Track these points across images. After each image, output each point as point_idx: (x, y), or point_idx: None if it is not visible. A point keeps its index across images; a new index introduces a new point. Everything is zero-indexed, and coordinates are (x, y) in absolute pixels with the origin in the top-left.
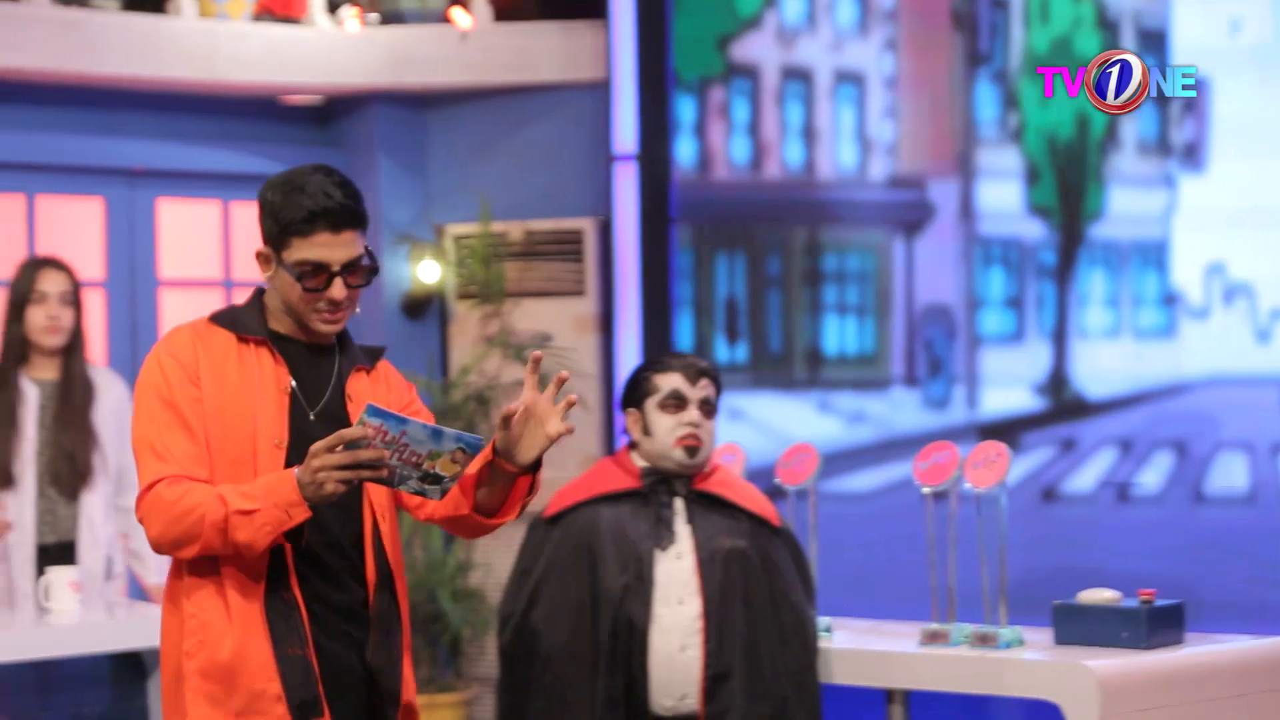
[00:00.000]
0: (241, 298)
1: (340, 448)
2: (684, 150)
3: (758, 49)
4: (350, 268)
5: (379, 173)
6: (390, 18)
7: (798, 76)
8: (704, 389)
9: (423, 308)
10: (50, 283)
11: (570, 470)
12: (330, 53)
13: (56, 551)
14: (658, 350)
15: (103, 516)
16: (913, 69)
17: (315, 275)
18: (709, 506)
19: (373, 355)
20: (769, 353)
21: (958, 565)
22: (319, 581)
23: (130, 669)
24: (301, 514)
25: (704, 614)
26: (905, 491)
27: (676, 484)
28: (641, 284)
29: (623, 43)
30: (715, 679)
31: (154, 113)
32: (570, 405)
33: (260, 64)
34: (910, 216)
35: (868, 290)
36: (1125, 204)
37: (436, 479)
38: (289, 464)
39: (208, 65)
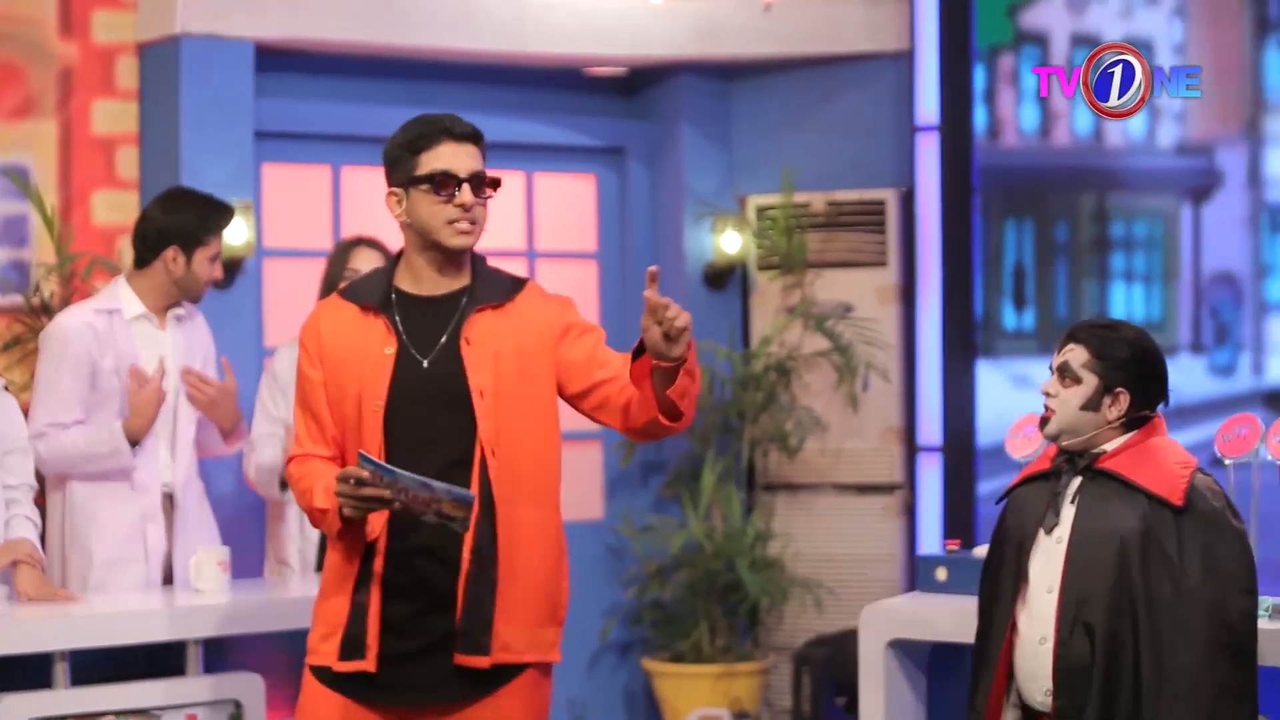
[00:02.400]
0: (546, 269)
1: (353, 481)
2: (975, 118)
3: (1048, 16)
4: (476, 180)
5: (683, 143)
6: None
7: (1087, 43)
8: (1064, 354)
9: (724, 278)
10: (365, 261)
11: (870, 440)
12: (636, 24)
13: None
14: (958, 321)
15: None
16: (1201, 35)
17: (445, 183)
18: (1105, 486)
19: (511, 289)
20: (1056, 320)
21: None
22: (410, 529)
23: None
24: (334, 520)
25: (1060, 601)
26: None
27: (1079, 461)
28: (943, 255)
29: (926, 13)
30: (1065, 673)
31: (461, 84)
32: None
33: (567, 36)
34: (1198, 183)
35: (1155, 257)
36: None
37: (451, 518)
38: (389, 422)
39: (515, 37)
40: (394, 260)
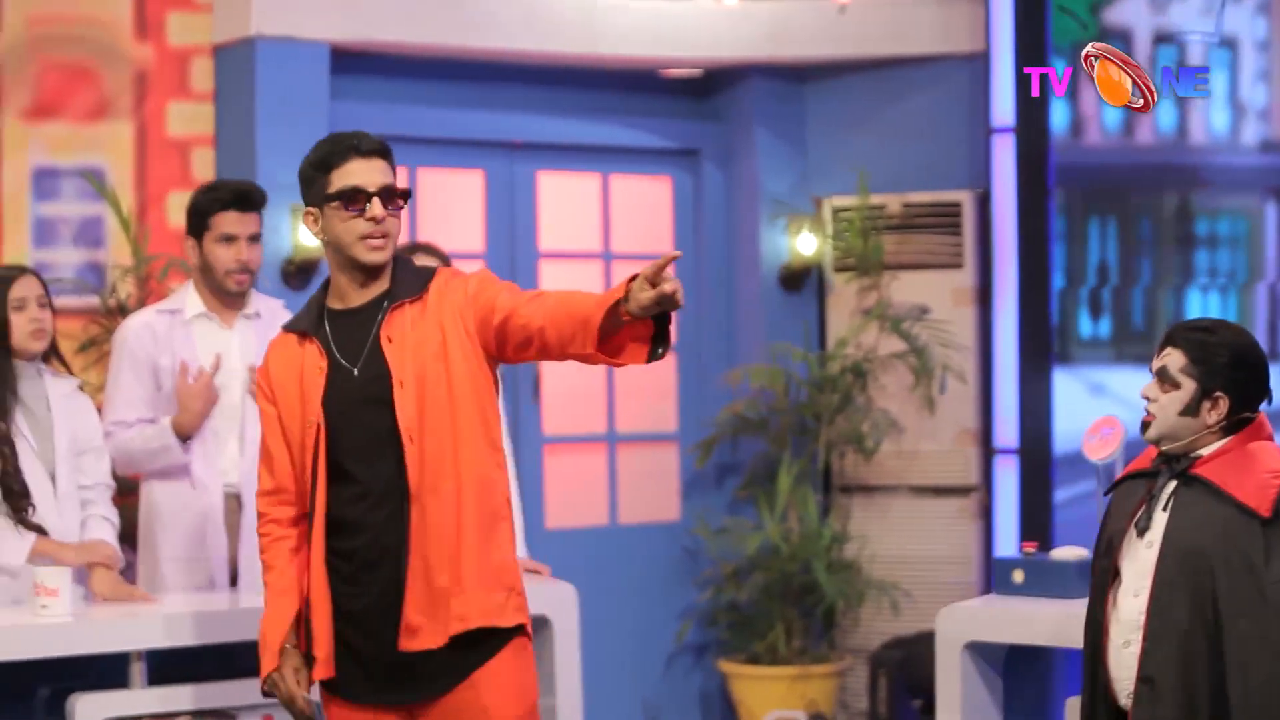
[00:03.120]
0: (621, 271)
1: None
2: (1057, 115)
3: (1131, 13)
4: (386, 193)
5: (757, 145)
6: None
7: (1169, 40)
8: (1162, 358)
9: (800, 280)
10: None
11: (946, 442)
12: (709, 26)
13: None
14: (1034, 322)
15: None
16: None
17: (354, 198)
18: (1198, 493)
19: (425, 280)
20: (1132, 328)
21: None
22: (347, 537)
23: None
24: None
25: (1148, 610)
26: None
27: (1176, 465)
28: (1019, 257)
29: (1001, 14)
30: (1144, 680)
31: (534, 86)
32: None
33: (639, 37)
34: None
35: (1239, 256)
36: None
37: None
38: (330, 433)
39: (588, 39)
40: (325, 282)
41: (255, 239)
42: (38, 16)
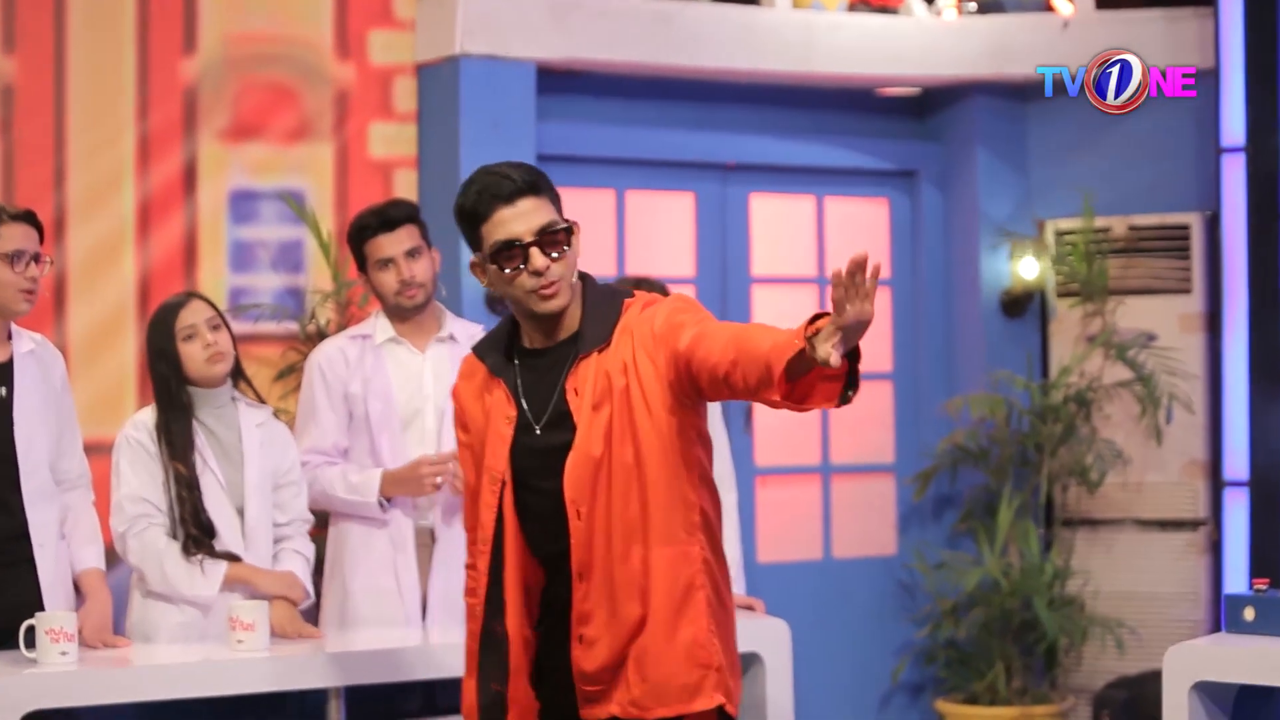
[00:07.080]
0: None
1: None
2: None
3: None
4: (544, 236)
5: (977, 166)
6: (988, 7)
7: None
8: None
9: (1022, 305)
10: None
11: (1173, 474)
12: (927, 43)
13: None
14: (1266, 350)
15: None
16: None
17: (510, 252)
18: None
19: (613, 321)
20: None
21: None
22: (539, 606)
23: None
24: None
25: None
26: None
27: None
28: (1250, 281)
29: (1231, 30)
30: None
31: (747, 106)
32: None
33: (856, 55)
34: None
35: None
36: None
37: None
38: (517, 488)
39: (803, 57)
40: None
41: (414, 253)
42: (235, 36)
